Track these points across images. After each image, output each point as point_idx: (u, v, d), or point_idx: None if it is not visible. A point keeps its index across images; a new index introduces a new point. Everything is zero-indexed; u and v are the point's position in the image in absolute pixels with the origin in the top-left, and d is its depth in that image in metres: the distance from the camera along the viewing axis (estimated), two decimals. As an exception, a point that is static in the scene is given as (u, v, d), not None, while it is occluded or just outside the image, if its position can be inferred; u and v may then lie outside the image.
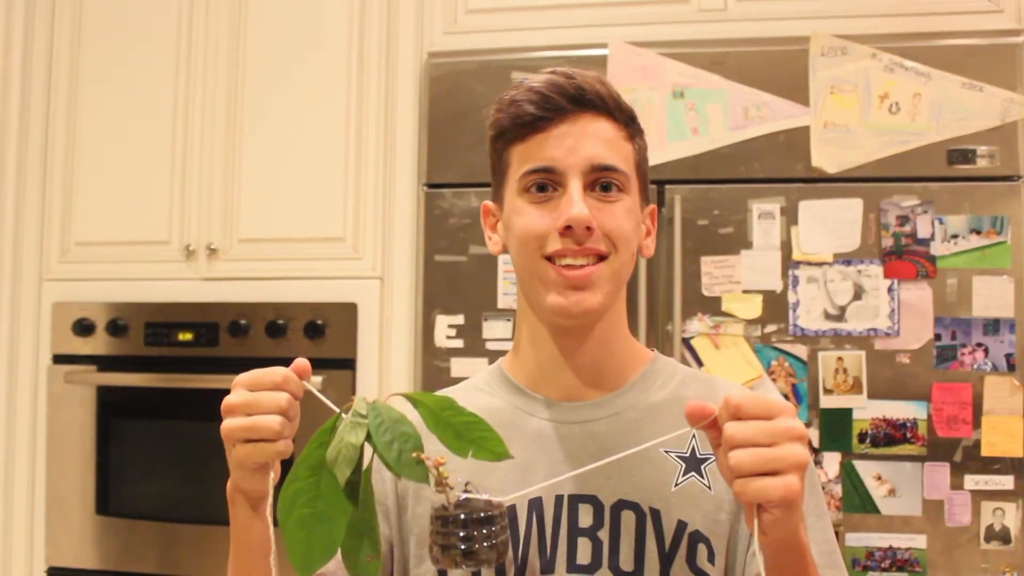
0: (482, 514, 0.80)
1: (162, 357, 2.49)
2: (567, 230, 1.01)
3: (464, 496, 0.80)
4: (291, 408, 0.90)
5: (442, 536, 0.80)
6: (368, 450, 0.82)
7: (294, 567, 0.83)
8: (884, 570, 2.10)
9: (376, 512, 0.85)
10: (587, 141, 1.02)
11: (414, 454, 0.79)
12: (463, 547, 0.79)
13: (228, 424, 0.90)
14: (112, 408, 2.51)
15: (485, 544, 0.80)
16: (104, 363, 2.52)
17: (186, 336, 2.47)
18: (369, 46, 2.46)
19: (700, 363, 2.20)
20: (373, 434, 0.80)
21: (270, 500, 0.90)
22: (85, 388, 2.52)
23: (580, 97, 1.03)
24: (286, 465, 0.92)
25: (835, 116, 2.21)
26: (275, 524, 0.90)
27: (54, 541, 2.52)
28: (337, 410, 0.84)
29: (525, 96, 1.04)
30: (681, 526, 1.02)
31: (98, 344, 2.52)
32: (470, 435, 0.83)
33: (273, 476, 0.91)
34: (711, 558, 1.02)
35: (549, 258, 1.03)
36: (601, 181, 1.03)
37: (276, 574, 0.89)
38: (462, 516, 0.79)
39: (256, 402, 0.90)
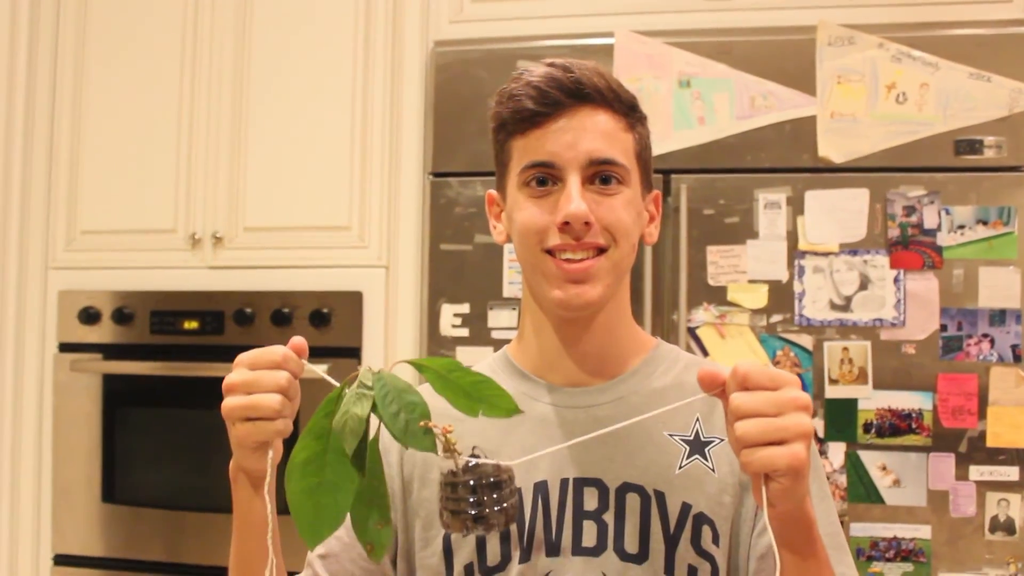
0: (491, 479, 0.80)
1: (168, 345, 2.50)
2: (566, 225, 1.02)
3: (473, 461, 0.80)
4: (291, 387, 0.91)
5: (452, 501, 0.81)
6: (375, 419, 0.82)
7: (302, 537, 0.83)
8: (888, 560, 2.10)
9: (385, 480, 0.85)
10: (586, 135, 1.03)
11: (422, 423, 0.79)
12: (473, 512, 0.80)
13: (228, 403, 0.91)
14: (118, 396, 2.52)
15: (495, 508, 0.80)
16: (110, 351, 2.53)
17: (192, 325, 2.47)
18: (375, 35, 2.46)
19: (705, 352, 2.20)
20: (379, 405, 0.80)
21: (269, 479, 0.91)
22: (91, 376, 2.52)
23: (578, 91, 1.03)
24: (289, 445, 0.93)
25: (842, 106, 2.20)
26: (278, 507, 0.90)
27: (60, 529, 2.53)
28: (337, 385, 0.84)
29: (523, 90, 1.04)
30: (685, 508, 1.03)
31: (104, 332, 2.53)
32: (479, 394, 0.83)
33: (273, 454, 0.92)
34: (716, 540, 1.02)
35: (550, 251, 1.04)
36: (600, 174, 1.04)
37: (274, 553, 0.89)
38: (471, 481, 0.80)
39: (256, 381, 0.90)
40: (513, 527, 1.04)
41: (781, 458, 0.81)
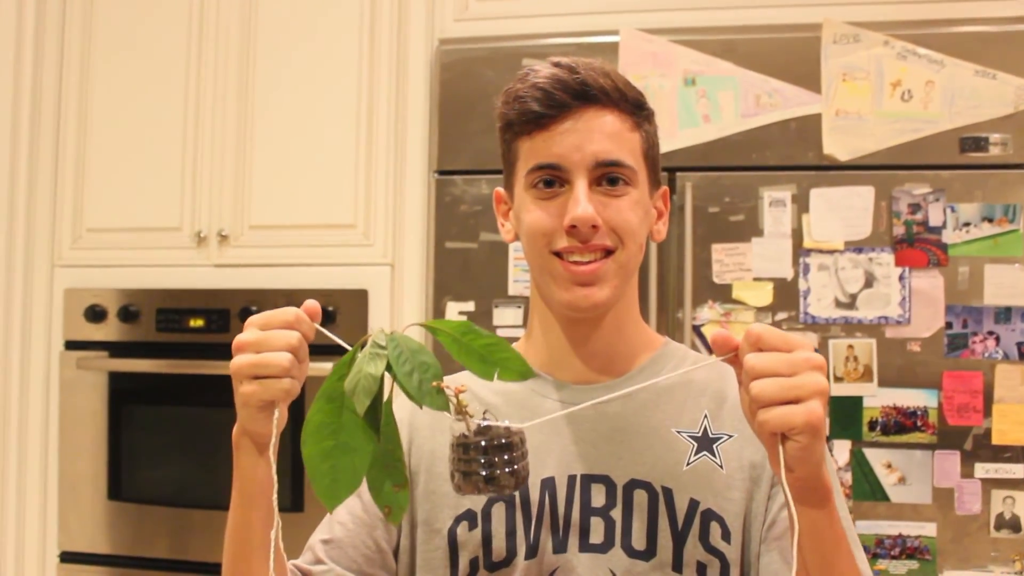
0: (502, 440, 0.80)
1: (173, 343, 2.50)
2: (573, 228, 1.02)
3: (484, 423, 0.80)
4: (301, 348, 0.90)
5: (463, 463, 0.81)
6: (388, 381, 0.82)
7: (320, 499, 0.82)
8: (894, 558, 2.10)
9: (400, 443, 0.84)
10: (592, 137, 1.03)
11: (434, 383, 0.79)
12: (484, 473, 0.80)
13: (237, 361, 0.90)
14: (124, 394, 2.53)
15: (506, 469, 0.80)
16: (116, 349, 2.53)
17: (197, 322, 2.48)
18: (380, 33, 2.46)
19: (711, 350, 2.20)
20: (393, 365, 0.80)
21: (274, 440, 0.89)
22: (97, 374, 2.53)
23: (584, 92, 1.03)
24: (294, 413, 0.92)
25: (847, 103, 2.20)
26: (281, 503, 0.89)
27: (67, 526, 2.53)
28: (349, 348, 0.84)
29: (529, 92, 1.04)
30: (693, 504, 1.03)
31: (110, 330, 2.53)
32: (493, 357, 0.83)
33: (279, 416, 0.90)
34: (726, 536, 1.02)
35: (558, 253, 1.04)
36: (607, 176, 1.04)
37: (278, 514, 0.88)
38: (483, 443, 0.80)
39: (266, 340, 0.89)
40: (519, 524, 1.05)
41: (798, 415, 0.81)
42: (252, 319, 0.92)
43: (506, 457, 0.80)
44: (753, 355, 0.83)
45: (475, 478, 0.80)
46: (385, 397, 0.82)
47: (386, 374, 0.81)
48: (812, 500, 0.87)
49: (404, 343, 0.81)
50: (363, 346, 0.83)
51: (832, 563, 0.90)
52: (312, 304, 0.92)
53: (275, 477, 0.89)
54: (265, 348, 0.89)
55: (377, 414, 0.81)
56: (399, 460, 0.84)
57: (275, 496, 0.88)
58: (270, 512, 0.87)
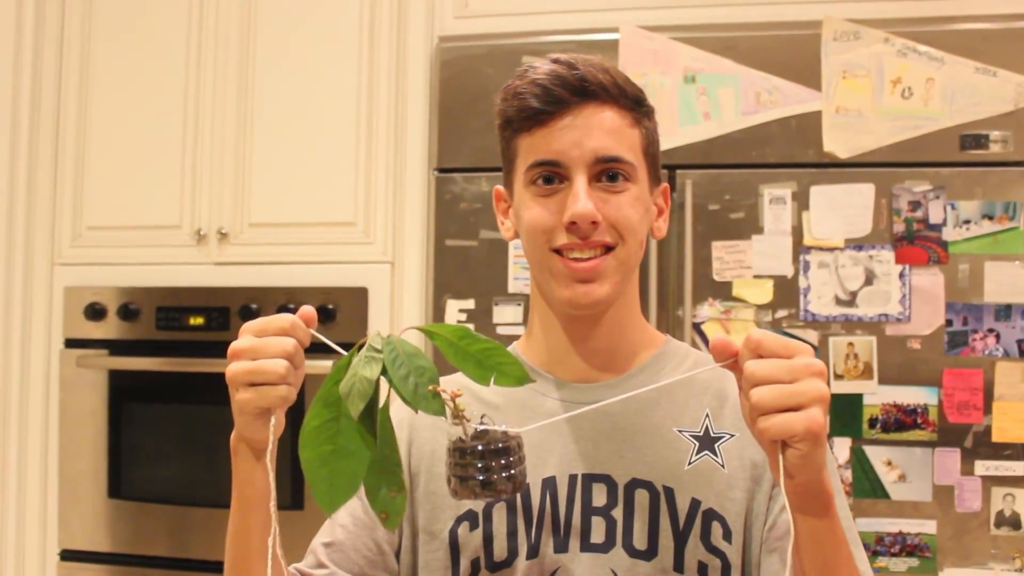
0: (499, 444, 0.80)
1: (173, 341, 2.50)
2: (573, 225, 1.02)
3: (481, 427, 0.80)
4: (297, 355, 0.90)
5: (460, 468, 0.80)
6: (385, 385, 0.81)
7: (318, 504, 0.82)
8: (894, 555, 2.10)
9: (398, 448, 0.84)
10: (592, 133, 1.03)
11: (430, 387, 0.79)
12: (481, 478, 0.79)
13: (233, 368, 0.90)
14: (124, 392, 2.53)
15: (503, 474, 0.80)
16: (116, 347, 2.53)
17: (197, 320, 2.48)
18: (380, 30, 2.46)
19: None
20: (388, 368, 0.80)
21: (271, 447, 0.89)
22: (97, 372, 2.53)
23: (583, 88, 1.03)
24: (291, 418, 0.91)
25: (847, 101, 2.20)
26: (283, 501, 0.88)
27: (67, 524, 2.53)
28: (344, 354, 0.83)
29: (528, 89, 1.04)
30: (695, 504, 1.02)
31: (110, 328, 2.53)
32: (490, 362, 0.82)
33: (275, 423, 0.90)
34: (727, 536, 1.02)
35: (557, 250, 1.04)
36: (607, 172, 1.04)
37: (276, 521, 0.87)
38: (479, 447, 0.79)
39: (262, 347, 0.89)
40: (520, 524, 1.05)
41: (798, 422, 0.80)
42: (247, 325, 0.92)
43: (503, 462, 0.79)
44: (753, 362, 0.83)
45: (471, 483, 0.80)
46: (383, 402, 0.82)
47: (383, 378, 0.80)
48: (813, 507, 0.86)
49: (400, 347, 0.81)
50: (360, 350, 0.82)
51: (832, 568, 0.90)
52: (308, 310, 0.92)
53: (273, 484, 0.89)
54: (261, 355, 0.89)
55: (373, 418, 0.80)
56: (396, 464, 0.83)
57: (273, 503, 0.88)
58: (268, 518, 0.87)
